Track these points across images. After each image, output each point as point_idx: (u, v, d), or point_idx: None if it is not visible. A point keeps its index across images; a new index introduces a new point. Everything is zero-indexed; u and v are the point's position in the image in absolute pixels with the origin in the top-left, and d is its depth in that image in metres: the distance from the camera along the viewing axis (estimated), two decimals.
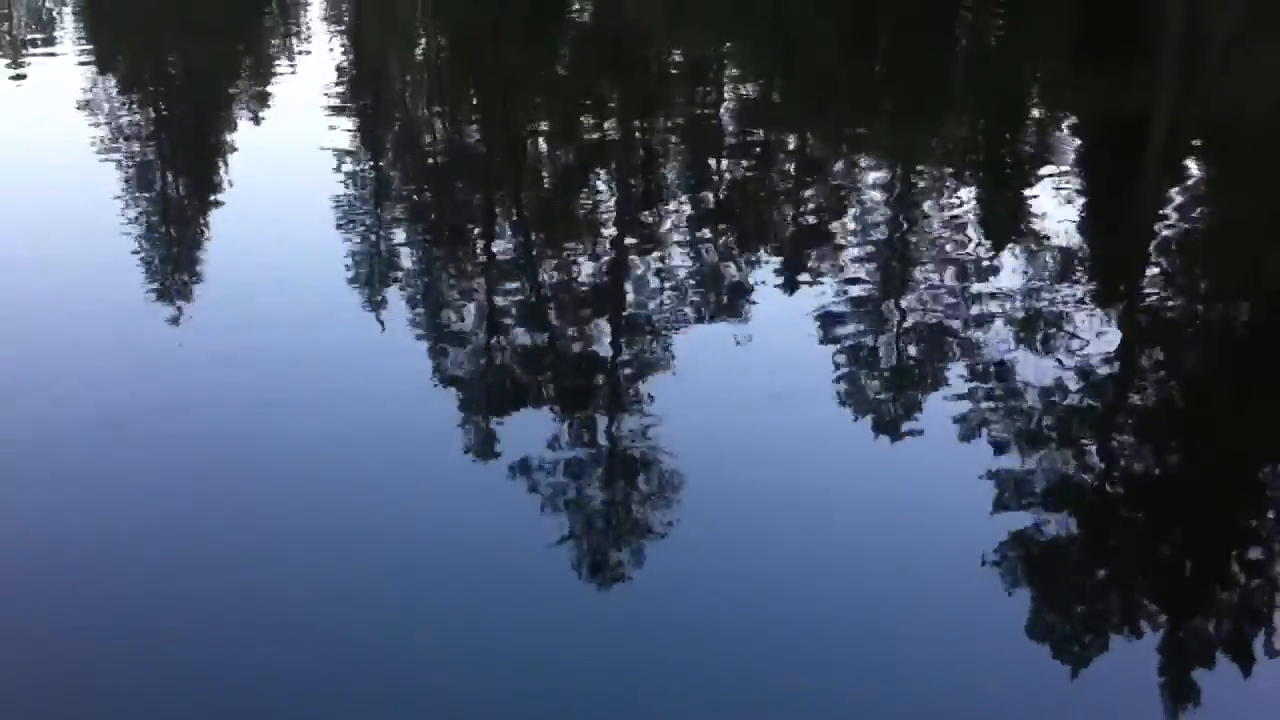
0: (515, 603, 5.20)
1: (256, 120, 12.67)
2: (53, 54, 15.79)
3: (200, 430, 6.51)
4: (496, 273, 8.75)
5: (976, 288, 8.59)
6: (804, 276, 8.76)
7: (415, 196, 10.52)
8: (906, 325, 8.01)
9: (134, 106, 12.99)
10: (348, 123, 12.57)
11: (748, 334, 7.87)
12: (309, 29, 17.89)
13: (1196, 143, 13.00)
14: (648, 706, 4.68)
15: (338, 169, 10.92)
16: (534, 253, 9.21)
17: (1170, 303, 8.62)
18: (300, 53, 16.13)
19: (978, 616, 5.25)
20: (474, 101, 14.28)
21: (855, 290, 8.49)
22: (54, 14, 18.83)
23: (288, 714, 4.60)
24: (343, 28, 18.33)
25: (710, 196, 10.63)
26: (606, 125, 13.06)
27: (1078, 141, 12.68)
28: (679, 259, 9.06)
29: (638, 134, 12.75)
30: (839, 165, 11.71)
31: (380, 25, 19.22)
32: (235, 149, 11.64)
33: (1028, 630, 5.19)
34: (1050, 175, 11.34)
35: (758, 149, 12.13)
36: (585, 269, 8.85)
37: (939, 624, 5.16)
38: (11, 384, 7.01)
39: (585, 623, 5.13)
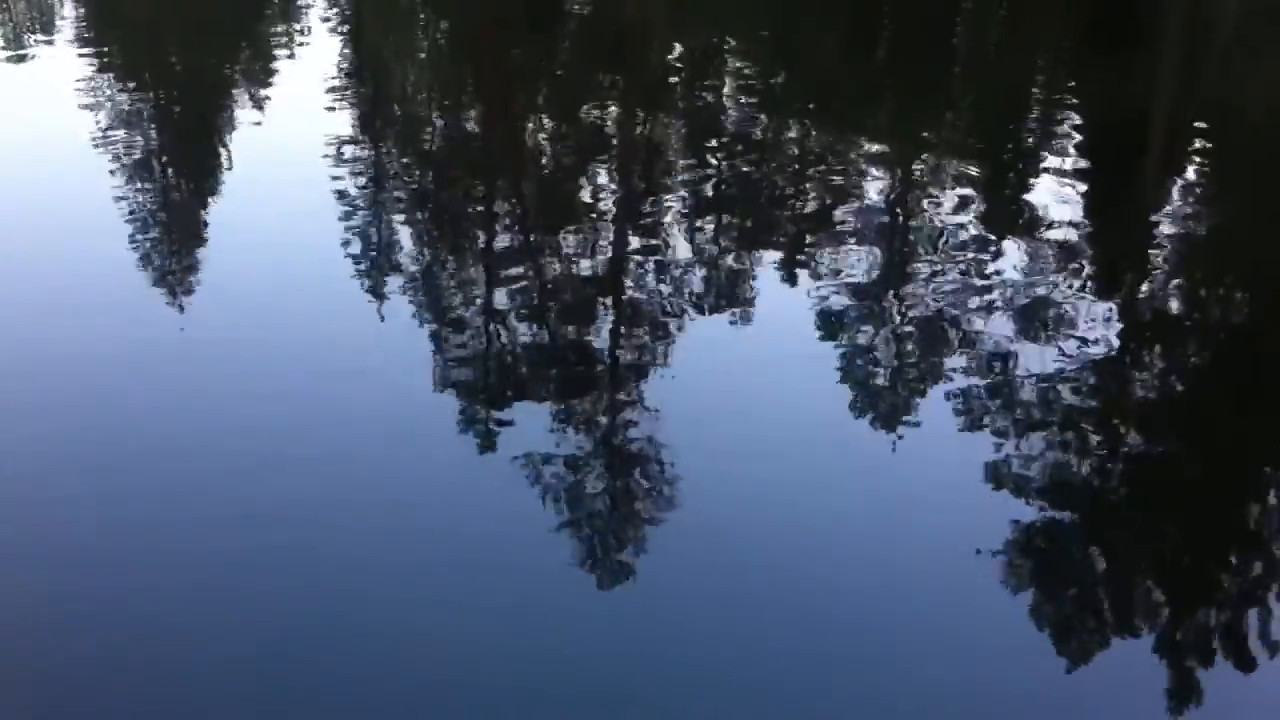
0: (517, 597, 5.21)
1: (258, 112, 12.65)
2: (51, 44, 15.77)
3: (201, 421, 6.51)
4: (497, 265, 8.75)
5: (977, 283, 8.59)
6: (804, 271, 8.76)
7: (416, 189, 10.52)
8: (906, 320, 8.01)
9: (134, 99, 12.97)
10: (348, 116, 12.56)
11: (748, 327, 7.88)
12: (310, 23, 17.86)
13: (1196, 139, 13.00)
14: (649, 700, 4.69)
15: (338, 162, 10.91)
16: (534, 245, 9.20)
17: (1169, 298, 8.63)
18: (302, 46, 16.11)
19: (978, 611, 5.26)
20: (474, 95, 14.27)
21: (855, 285, 8.50)
22: (54, 6, 18.81)
23: (286, 707, 4.61)
24: (343, 22, 18.30)
25: (710, 191, 10.63)
26: (606, 119, 13.05)
27: (1078, 137, 12.67)
28: (679, 252, 9.06)
29: (637, 128, 12.74)
30: (839, 160, 11.70)
31: (381, 19, 19.19)
32: (236, 141, 11.62)
33: (1027, 625, 5.20)
34: (1051, 171, 11.34)
35: (757, 143, 12.12)
36: (585, 262, 8.85)
37: (940, 618, 5.17)
38: (9, 377, 7.01)
39: (585, 617, 5.13)
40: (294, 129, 12.14)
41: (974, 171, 11.39)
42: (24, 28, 17.37)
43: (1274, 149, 12.89)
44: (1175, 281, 8.91)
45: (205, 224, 9.50)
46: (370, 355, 7.37)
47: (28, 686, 4.66)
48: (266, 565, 5.37)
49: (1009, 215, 10.13)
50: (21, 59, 15.11)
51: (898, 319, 8.03)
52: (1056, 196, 10.55)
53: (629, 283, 8.50)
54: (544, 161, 11.73)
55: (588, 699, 4.68)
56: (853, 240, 9.41)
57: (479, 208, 10.20)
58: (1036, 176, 11.21)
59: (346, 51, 16.19)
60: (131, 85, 13.64)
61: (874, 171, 11.27)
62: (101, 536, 5.55)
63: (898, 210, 10.16)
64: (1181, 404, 7.16)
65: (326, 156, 11.02)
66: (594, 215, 9.94)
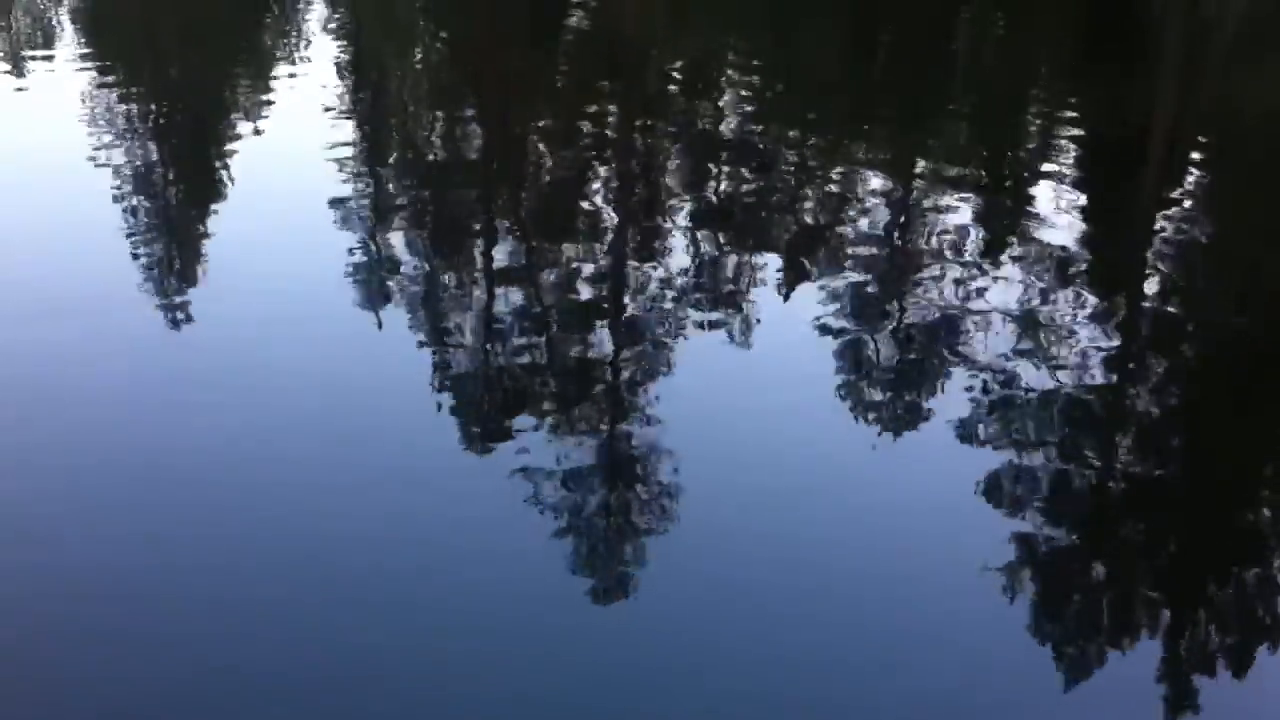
0: (515, 609, 5.20)
1: (256, 124, 12.67)
2: (50, 58, 15.79)
3: (198, 433, 6.50)
4: (496, 277, 8.74)
5: (975, 292, 8.59)
6: (804, 281, 8.76)
7: (415, 200, 10.52)
8: (906, 330, 8.00)
9: (133, 110, 12.98)
10: (347, 127, 12.57)
11: (748, 338, 7.87)
12: (309, 33, 17.90)
13: (1196, 148, 13.00)
14: (649, 713, 4.67)
15: (337, 173, 10.92)
16: (533, 257, 9.20)
17: (1171, 309, 8.62)
18: (301, 59, 16.13)
19: (979, 620, 5.24)
20: (473, 105, 14.28)
21: (855, 296, 8.49)
22: (53, 19, 18.86)
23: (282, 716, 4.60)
24: (343, 33, 18.33)
25: (709, 201, 10.63)
26: (606, 129, 13.07)
27: (1078, 146, 12.68)
28: (679, 263, 9.06)
29: (637, 138, 12.75)
30: (838, 170, 11.71)
31: (380, 30, 19.22)
32: (235, 152, 11.63)
33: (1027, 636, 5.19)
34: (1050, 179, 11.34)
35: (757, 154, 12.13)
36: (584, 273, 8.85)
37: (940, 627, 5.15)
38: (10, 384, 6.99)
39: (583, 629, 5.12)
40: (294, 138, 12.15)
41: (974, 181, 11.39)
42: (23, 40, 17.41)
43: (1274, 157, 12.89)
44: (1176, 292, 8.91)
45: (204, 235, 9.49)
46: (369, 367, 7.36)
47: (28, 694, 4.65)
48: (260, 577, 5.36)
49: (1009, 225, 10.12)
50: (21, 72, 15.12)
51: (898, 330, 8.02)
52: (1057, 206, 10.55)
53: (629, 295, 8.50)
54: (544, 173, 11.73)
55: (587, 712, 4.67)
56: (852, 251, 9.41)
57: (479, 219, 10.19)
58: (1036, 186, 11.21)
59: (347, 62, 16.22)
60: (131, 95, 13.65)
61: (873, 182, 11.27)
62: (100, 545, 5.54)
63: (897, 221, 10.16)
64: (1182, 415, 7.15)
65: (326, 166, 11.02)
66: (594, 227, 9.94)
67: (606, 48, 17.86)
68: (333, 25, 18.76)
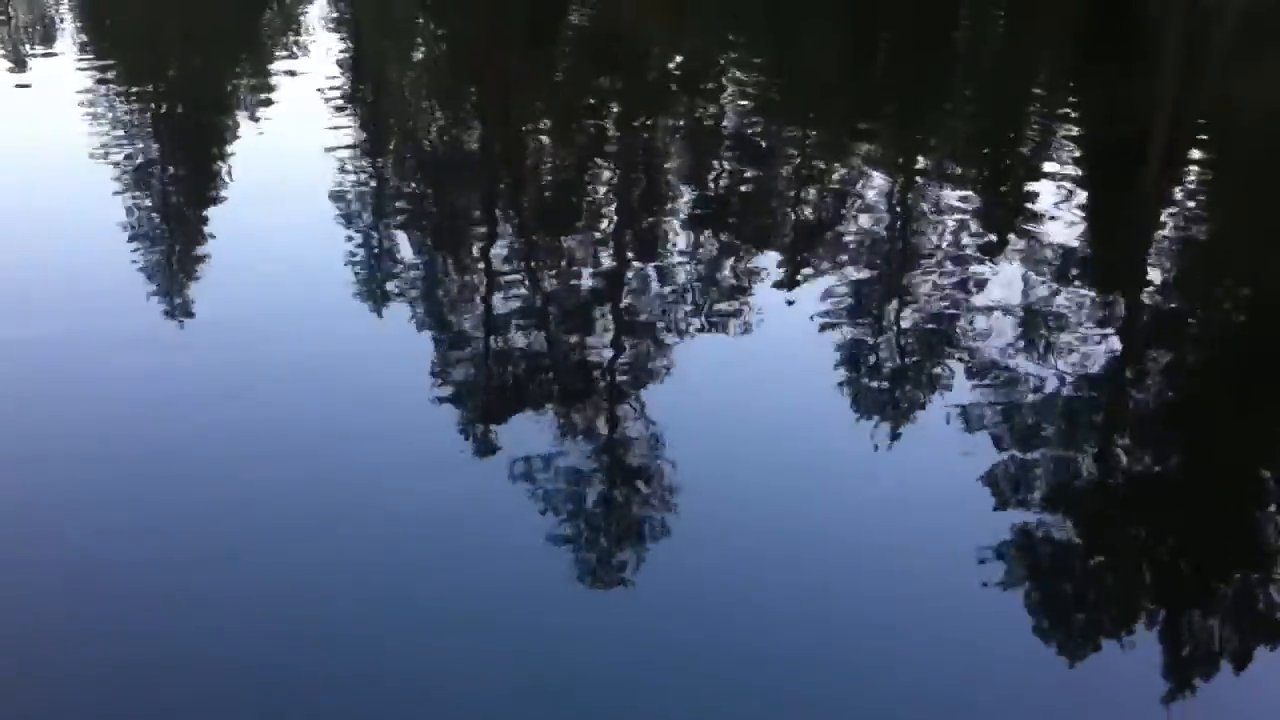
0: (514, 607, 5.20)
1: (257, 121, 12.67)
2: (52, 55, 15.79)
3: (199, 428, 6.50)
4: (496, 273, 8.74)
5: (975, 291, 8.59)
6: (803, 280, 8.75)
7: (415, 197, 10.52)
8: (906, 330, 8.00)
9: (134, 108, 12.97)
10: (348, 126, 12.56)
11: (748, 337, 7.87)
12: (309, 33, 17.90)
13: (1196, 145, 13.00)
14: (649, 712, 4.67)
15: (338, 172, 10.91)
16: (533, 253, 9.20)
17: (1170, 309, 8.63)
18: (301, 57, 16.13)
19: (979, 616, 5.25)
20: (473, 104, 14.28)
21: (855, 295, 8.49)
22: (54, 17, 18.85)
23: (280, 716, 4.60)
24: (343, 32, 18.33)
25: (709, 199, 10.63)
26: (605, 128, 13.06)
27: (1078, 145, 12.68)
28: (679, 260, 9.06)
29: (637, 137, 12.75)
30: (838, 168, 11.71)
31: (380, 29, 19.23)
32: (235, 151, 11.63)
33: (1028, 632, 5.19)
34: (1050, 179, 11.34)
35: (756, 153, 12.13)
36: (584, 271, 8.84)
37: (941, 624, 5.16)
38: (10, 381, 6.99)
39: (584, 624, 5.12)
40: (294, 138, 12.14)
41: (974, 181, 11.39)
42: (24, 38, 17.40)
43: (1274, 157, 12.89)
44: (1176, 291, 8.90)
45: (205, 236, 9.48)
46: (370, 362, 7.36)
47: (28, 693, 4.65)
48: (260, 573, 5.36)
49: (1009, 224, 10.12)
50: (20, 65, 15.11)
51: (897, 329, 8.02)
52: (1056, 206, 10.54)
53: (629, 292, 8.49)
54: (544, 170, 11.73)
55: (587, 709, 4.67)
56: (853, 249, 9.41)
57: (479, 216, 10.19)
58: (1036, 186, 11.21)
59: (347, 60, 16.21)
60: (132, 92, 13.64)
61: (873, 181, 11.26)
62: (100, 542, 5.54)
63: (898, 220, 10.16)
64: (1182, 413, 7.15)
65: (326, 166, 11.02)
66: (594, 225, 9.94)
67: (606, 47, 17.85)
68: (333, 24, 18.76)
